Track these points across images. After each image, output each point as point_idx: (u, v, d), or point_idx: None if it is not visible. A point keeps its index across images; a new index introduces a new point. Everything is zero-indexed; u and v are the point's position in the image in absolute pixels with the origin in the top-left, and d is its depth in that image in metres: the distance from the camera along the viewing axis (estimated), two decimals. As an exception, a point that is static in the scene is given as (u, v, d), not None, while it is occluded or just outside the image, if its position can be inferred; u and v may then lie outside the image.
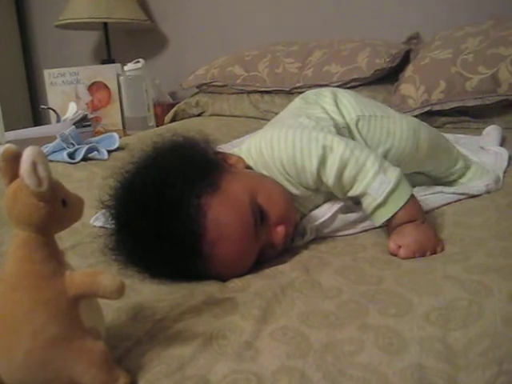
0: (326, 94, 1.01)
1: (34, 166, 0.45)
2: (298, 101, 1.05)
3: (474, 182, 0.99)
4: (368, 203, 0.78)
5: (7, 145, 0.47)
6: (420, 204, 0.81)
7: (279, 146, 0.81)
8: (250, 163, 0.85)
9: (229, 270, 0.71)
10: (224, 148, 0.90)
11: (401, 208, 0.76)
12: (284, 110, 1.07)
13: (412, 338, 0.53)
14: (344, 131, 0.93)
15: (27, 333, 0.46)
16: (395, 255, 0.74)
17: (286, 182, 0.83)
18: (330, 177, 0.79)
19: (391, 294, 0.62)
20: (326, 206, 0.87)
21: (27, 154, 0.45)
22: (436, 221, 0.86)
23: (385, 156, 0.91)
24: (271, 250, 0.76)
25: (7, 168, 0.47)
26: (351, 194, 0.80)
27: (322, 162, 0.79)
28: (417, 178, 1.00)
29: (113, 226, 0.74)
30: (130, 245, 0.71)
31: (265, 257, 0.75)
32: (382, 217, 0.78)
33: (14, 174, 0.47)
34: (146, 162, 0.75)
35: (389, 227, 0.79)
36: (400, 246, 0.74)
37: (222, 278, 0.71)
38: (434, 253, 0.75)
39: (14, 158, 0.47)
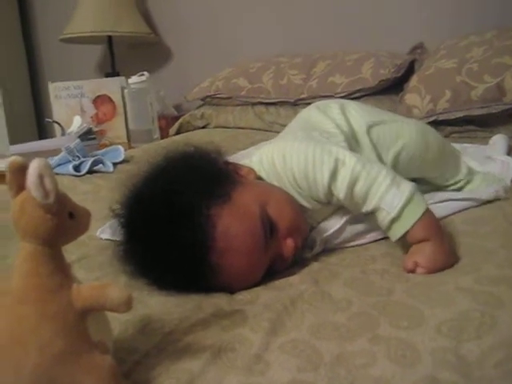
0: (334, 105, 1.01)
1: (40, 178, 0.45)
2: (306, 112, 1.05)
3: (481, 189, 0.98)
4: (382, 218, 0.76)
5: (13, 157, 0.47)
6: (436, 217, 0.78)
7: (291, 157, 0.81)
8: (262, 174, 0.85)
9: (238, 281, 0.71)
10: (233, 159, 0.89)
11: (416, 222, 0.74)
12: (293, 122, 1.07)
13: (424, 349, 0.52)
14: (352, 142, 0.93)
15: (34, 347, 0.45)
16: (413, 273, 0.72)
17: (297, 194, 0.82)
18: (341, 191, 0.77)
19: (402, 306, 0.61)
20: (334, 218, 0.86)
21: (34, 166, 0.45)
22: (445, 230, 0.84)
23: (396, 159, 0.91)
24: (281, 262, 0.75)
25: (14, 180, 0.47)
26: (365, 209, 0.77)
27: (334, 175, 0.77)
28: (422, 186, 0.99)
29: (121, 237, 0.73)
30: (139, 254, 0.70)
31: (274, 269, 0.74)
32: (398, 231, 0.75)
33: (20, 186, 0.47)
34: (157, 171, 0.75)
35: (407, 243, 0.77)
36: (417, 265, 0.72)
37: (231, 290, 0.71)
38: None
39: (21, 170, 0.46)
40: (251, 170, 0.84)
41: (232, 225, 0.69)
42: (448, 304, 0.60)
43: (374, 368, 0.50)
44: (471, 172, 1.02)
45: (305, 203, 0.82)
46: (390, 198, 0.74)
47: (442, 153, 0.98)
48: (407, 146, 0.92)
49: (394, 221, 0.75)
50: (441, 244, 0.74)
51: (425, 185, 1.01)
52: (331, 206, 0.84)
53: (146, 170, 0.75)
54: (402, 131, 0.93)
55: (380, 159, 0.93)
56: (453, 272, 0.70)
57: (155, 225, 0.68)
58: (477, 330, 0.54)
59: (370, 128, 0.93)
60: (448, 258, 0.73)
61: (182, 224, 0.67)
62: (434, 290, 0.64)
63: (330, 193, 0.79)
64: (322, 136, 0.91)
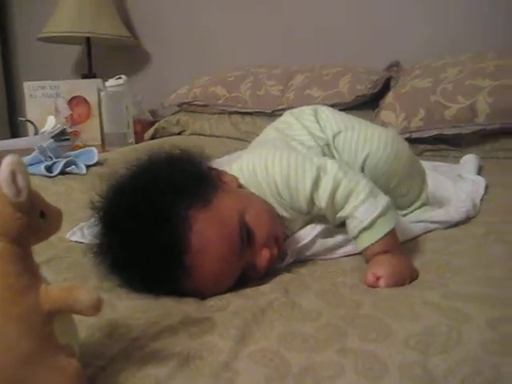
0: (307, 111, 1.01)
1: (13, 175, 0.44)
2: (282, 121, 1.06)
3: (450, 208, 0.99)
4: (354, 226, 0.77)
5: (-14, 153, 0.46)
6: (397, 235, 0.80)
7: (274, 166, 0.81)
8: (241, 183, 0.84)
9: (208, 286, 0.70)
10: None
11: (384, 236, 0.76)
12: (269, 129, 1.07)
13: (392, 363, 0.52)
14: (325, 149, 0.94)
15: (-2, 348, 0.44)
16: (374, 287, 0.72)
17: (277, 204, 0.82)
18: (322, 199, 0.78)
19: (370, 319, 0.61)
20: (307, 229, 0.86)
21: (6, 163, 0.44)
22: (415, 247, 0.86)
23: (362, 165, 0.91)
24: (254, 271, 0.75)
25: (-15, 176, 0.46)
26: (340, 214, 0.79)
27: (316, 183, 0.78)
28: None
29: (98, 230, 0.72)
30: (114, 247, 0.70)
31: (246, 277, 0.74)
32: (365, 241, 0.77)
33: (-9, 184, 0.46)
34: (140, 169, 0.75)
35: (366, 255, 0.78)
36: (379, 277, 0.73)
37: (202, 294, 0.70)
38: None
39: (-7, 167, 0.45)
40: (235, 177, 0.84)
41: (208, 228, 0.69)
42: (415, 318, 0.60)
43: (342, 380, 0.50)
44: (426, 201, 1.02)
45: (284, 213, 0.83)
46: (365, 208, 0.76)
47: (411, 166, 0.98)
48: (374, 152, 0.91)
49: (364, 230, 0.76)
50: (399, 257, 0.76)
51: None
52: (308, 216, 0.84)
53: (131, 166, 0.75)
54: (371, 136, 0.92)
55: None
56: (420, 287, 0.71)
57: (132, 220, 0.67)
58: (444, 345, 0.54)
59: (336, 135, 0.94)
60: (407, 271, 0.75)
61: (159, 222, 0.67)
62: (401, 303, 0.65)
63: (311, 202, 0.80)
64: (303, 147, 0.92)
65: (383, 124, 1.67)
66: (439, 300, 0.65)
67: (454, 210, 0.97)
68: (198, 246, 0.68)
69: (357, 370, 0.51)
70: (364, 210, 0.76)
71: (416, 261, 0.81)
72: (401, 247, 0.80)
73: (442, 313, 0.61)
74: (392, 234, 0.77)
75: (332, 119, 0.97)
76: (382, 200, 0.77)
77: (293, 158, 0.81)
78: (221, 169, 0.85)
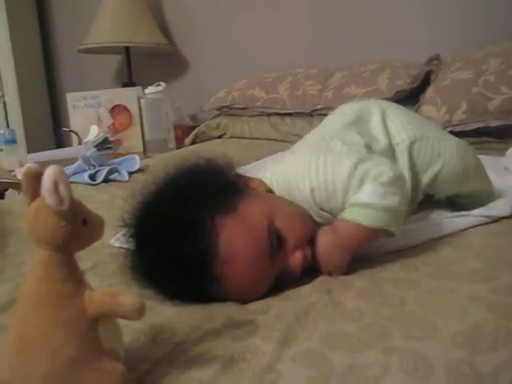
0: (375, 111, 0.98)
1: (55, 185, 0.45)
2: (338, 118, 1.01)
3: (496, 204, 0.96)
4: (355, 198, 0.75)
5: (29, 164, 0.47)
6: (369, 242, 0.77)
7: (310, 172, 0.79)
8: (274, 188, 0.83)
9: (241, 293, 0.70)
10: (248, 169, 0.89)
11: (368, 227, 0.73)
12: (321, 126, 1.05)
13: (438, 361, 0.51)
14: (387, 154, 0.91)
15: (46, 354, 0.45)
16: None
17: (311, 210, 0.80)
18: (352, 189, 0.75)
19: (415, 316, 0.60)
20: None
21: (49, 173, 0.45)
22: (463, 239, 0.84)
23: (435, 177, 0.90)
24: (288, 275, 0.74)
25: (29, 187, 0.47)
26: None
27: (355, 165, 0.76)
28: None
29: (131, 246, 0.74)
30: (145, 264, 0.71)
31: (283, 282, 0.73)
32: (347, 213, 0.75)
33: (35, 193, 0.47)
34: (166, 182, 0.76)
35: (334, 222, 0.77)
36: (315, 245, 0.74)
37: (236, 301, 0.70)
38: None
39: (36, 177, 0.47)
40: (261, 182, 0.83)
41: (236, 235, 0.69)
42: (462, 314, 0.59)
43: (386, 380, 0.49)
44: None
45: (319, 219, 0.81)
46: (374, 190, 0.74)
47: (477, 174, 0.97)
48: (447, 166, 0.90)
49: (355, 205, 0.74)
50: (346, 251, 0.75)
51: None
52: None
53: (157, 181, 0.76)
54: (444, 151, 0.91)
55: (415, 174, 0.91)
56: (466, 279, 0.69)
57: (160, 235, 0.68)
58: (492, 343, 0.53)
59: (412, 144, 0.91)
60: (338, 262, 0.74)
61: (185, 234, 0.67)
62: (447, 298, 0.63)
63: (347, 186, 0.76)
64: (343, 146, 0.89)
65: (424, 119, 1.64)
66: (487, 294, 0.63)
67: (498, 206, 0.94)
68: (227, 254, 0.67)
69: (402, 369, 0.50)
70: (372, 191, 0.73)
71: (464, 252, 0.79)
72: (359, 248, 0.77)
73: (489, 308, 0.59)
74: (370, 231, 0.74)
75: (404, 125, 0.94)
76: (393, 200, 0.74)
77: (329, 161, 0.79)
78: (249, 175, 0.84)
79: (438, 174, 0.91)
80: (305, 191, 0.79)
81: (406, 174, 0.90)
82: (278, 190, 0.83)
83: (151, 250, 0.69)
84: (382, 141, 0.93)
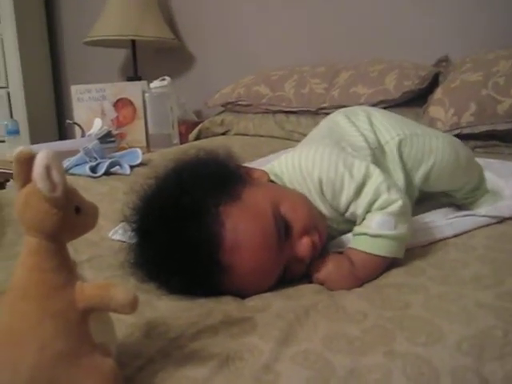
0: (361, 113, 0.98)
1: (47, 169, 0.43)
2: (332, 120, 1.03)
3: (502, 204, 0.95)
4: (362, 226, 0.75)
5: (21, 147, 0.45)
6: (383, 268, 0.75)
7: (322, 163, 0.78)
8: (284, 177, 0.82)
9: (249, 283, 0.69)
10: (252, 165, 0.88)
11: (377, 256, 0.73)
12: (318, 129, 1.05)
13: (443, 368, 0.49)
14: (378, 155, 0.91)
15: (33, 346, 0.43)
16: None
17: (320, 201, 0.79)
18: (360, 206, 0.75)
19: (420, 321, 0.58)
20: (348, 236, 0.83)
21: (41, 157, 0.43)
22: (467, 242, 0.82)
23: (427, 175, 0.90)
24: (298, 264, 0.72)
25: (20, 171, 0.45)
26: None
27: (359, 190, 0.76)
28: (441, 199, 0.99)
29: (133, 240, 0.72)
30: (149, 256, 0.69)
31: (292, 273, 0.72)
32: (357, 243, 0.75)
33: (26, 178, 0.45)
34: (167, 174, 0.74)
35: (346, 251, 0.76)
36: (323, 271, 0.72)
37: (243, 294, 0.68)
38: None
39: (28, 162, 0.45)
40: (264, 172, 0.82)
41: (241, 222, 0.67)
42: (468, 320, 0.57)
43: (390, 384, 0.47)
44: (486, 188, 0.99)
45: (324, 210, 0.80)
46: (383, 220, 0.73)
47: (469, 166, 0.96)
48: (439, 162, 0.90)
49: (365, 234, 0.74)
50: (356, 280, 0.73)
51: (444, 197, 1.00)
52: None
53: (157, 174, 0.75)
54: (436, 146, 0.90)
55: (408, 172, 0.91)
56: (473, 284, 0.67)
57: (164, 226, 0.67)
58: (500, 350, 0.51)
59: (401, 141, 0.90)
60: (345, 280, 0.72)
61: (190, 224, 0.66)
62: (453, 304, 0.61)
63: (348, 206, 0.77)
64: (352, 149, 0.90)
65: (432, 120, 1.62)
66: (493, 301, 0.61)
67: (505, 206, 0.93)
68: (233, 242, 0.66)
69: (405, 374, 0.49)
70: (381, 221, 0.73)
71: (469, 254, 0.77)
72: (368, 278, 0.74)
73: (496, 315, 0.57)
74: (380, 260, 0.74)
75: (390, 125, 0.94)
76: (402, 229, 0.74)
77: (341, 160, 0.78)
78: (250, 165, 0.83)
79: (430, 169, 0.90)
80: (313, 180, 0.78)
81: (398, 171, 0.90)
82: (288, 180, 0.82)
83: (156, 242, 0.68)
84: (372, 139, 0.92)
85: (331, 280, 0.72)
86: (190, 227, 0.66)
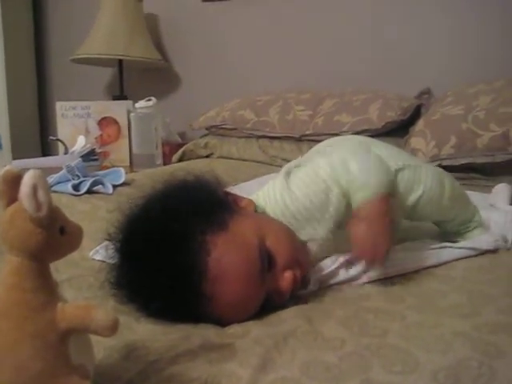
0: (361, 140, 1.01)
1: (34, 189, 0.43)
2: (326, 144, 1.04)
3: (481, 238, 0.96)
4: (347, 186, 0.80)
5: (8, 166, 0.45)
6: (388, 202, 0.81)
7: (299, 184, 0.82)
8: (268, 210, 0.83)
9: (230, 313, 0.68)
10: (234, 190, 0.88)
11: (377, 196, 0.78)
12: (309, 154, 1.06)
13: (419, 398, 0.50)
14: None
15: (9, 367, 0.43)
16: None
17: (308, 225, 0.81)
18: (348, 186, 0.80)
19: (396, 349, 0.59)
20: (328, 260, 0.84)
21: (28, 177, 0.43)
22: (445, 273, 0.83)
23: (417, 202, 0.91)
24: (278, 297, 0.73)
25: (6, 190, 0.46)
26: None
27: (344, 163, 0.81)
28: (427, 229, 1.00)
29: (115, 260, 0.72)
30: (131, 278, 0.69)
31: (271, 304, 0.72)
32: (359, 197, 0.79)
33: (12, 197, 0.45)
34: (155, 197, 0.74)
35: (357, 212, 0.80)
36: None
37: (223, 322, 0.68)
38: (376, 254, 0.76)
39: (15, 181, 0.45)
40: (251, 201, 0.83)
41: (227, 252, 0.67)
42: (445, 350, 0.57)
43: (365, 414, 0.48)
44: (481, 222, 1.01)
45: (311, 231, 0.82)
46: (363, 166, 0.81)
47: (456, 198, 0.97)
48: (427, 191, 0.92)
49: (356, 189, 0.79)
50: (382, 225, 0.77)
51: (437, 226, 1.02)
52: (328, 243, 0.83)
53: (145, 195, 0.74)
54: (425, 177, 0.92)
55: (398, 201, 0.92)
56: (450, 313, 0.68)
57: (149, 250, 0.66)
58: (474, 381, 0.51)
59: (397, 172, 0.91)
60: (382, 240, 0.76)
61: (176, 249, 0.66)
62: (429, 332, 0.62)
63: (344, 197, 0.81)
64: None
65: (413, 150, 1.64)
66: (470, 331, 0.62)
67: (483, 240, 0.94)
68: (218, 272, 0.66)
69: (381, 404, 0.49)
70: (360, 171, 0.80)
71: (447, 285, 0.78)
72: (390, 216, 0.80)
73: (472, 346, 0.58)
74: (384, 199, 0.79)
75: (388, 155, 0.95)
76: (384, 174, 0.81)
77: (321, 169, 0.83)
78: (238, 194, 0.84)
79: (418, 199, 0.92)
80: (299, 205, 0.81)
81: None
82: (272, 212, 0.83)
83: (139, 265, 0.67)
84: None
85: (361, 241, 0.77)
86: (176, 254, 0.66)
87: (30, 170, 0.44)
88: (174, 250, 0.66)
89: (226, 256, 0.67)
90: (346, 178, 0.80)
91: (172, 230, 0.67)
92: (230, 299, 0.67)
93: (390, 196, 0.81)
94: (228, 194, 0.80)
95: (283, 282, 0.72)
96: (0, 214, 0.46)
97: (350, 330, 0.64)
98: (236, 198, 0.81)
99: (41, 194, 0.44)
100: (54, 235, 0.46)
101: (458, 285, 0.78)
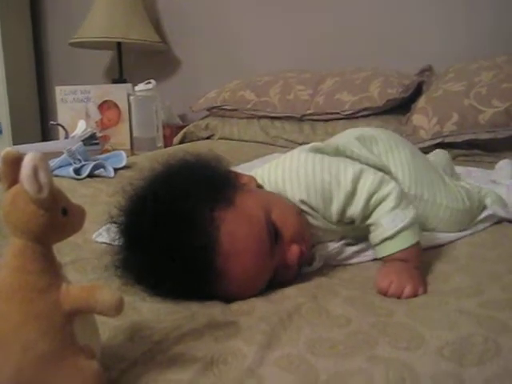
0: (380, 144, 0.98)
1: (35, 171, 0.43)
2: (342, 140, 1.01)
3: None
4: (378, 233, 0.76)
5: (8, 148, 0.45)
6: (420, 252, 0.78)
7: (307, 179, 0.80)
8: (266, 186, 0.83)
9: (241, 288, 0.68)
10: (237, 169, 0.88)
11: (406, 248, 0.75)
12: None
13: (424, 373, 0.50)
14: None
15: (16, 349, 0.43)
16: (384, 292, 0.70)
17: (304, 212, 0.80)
18: (357, 209, 0.77)
19: (402, 327, 0.59)
20: (332, 242, 0.85)
21: (29, 159, 0.43)
22: (450, 252, 0.83)
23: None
24: (285, 270, 0.73)
25: (7, 172, 0.45)
26: (368, 221, 0.78)
27: (350, 198, 0.78)
28: None
29: (120, 243, 0.71)
30: (140, 260, 0.68)
31: (278, 279, 0.72)
32: (385, 250, 0.76)
33: (13, 179, 0.45)
34: (159, 177, 0.73)
35: (384, 261, 0.77)
36: (391, 282, 0.70)
37: (232, 298, 0.68)
38: (415, 293, 0.70)
39: (15, 163, 0.44)
40: (252, 178, 0.83)
41: (237, 228, 0.68)
42: (450, 327, 0.58)
43: (372, 389, 0.48)
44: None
45: (311, 220, 0.81)
46: (392, 217, 0.75)
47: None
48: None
49: (387, 239, 0.75)
50: (414, 270, 0.74)
51: None
52: (337, 228, 0.83)
53: (147, 176, 0.74)
54: (433, 215, 0.92)
55: None
56: (455, 293, 0.68)
57: (157, 229, 0.66)
58: (480, 356, 0.51)
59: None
60: (417, 283, 0.71)
61: (186, 228, 0.66)
62: (435, 311, 0.62)
63: (343, 212, 0.79)
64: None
65: (415, 128, 1.64)
66: (475, 308, 0.62)
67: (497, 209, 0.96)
68: (230, 247, 0.66)
69: (387, 379, 0.49)
70: (390, 219, 0.75)
71: (450, 265, 0.78)
72: (420, 262, 0.77)
73: (477, 322, 0.58)
74: (414, 247, 0.76)
75: (407, 174, 0.94)
76: (410, 212, 0.76)
77: (326, 169, 0.80)
78: (239, 171, 0.83)
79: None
80: (302, 193, 0.80)
81: None
82: (269, 189, 0.82)
83: (148, 246, 0.67)
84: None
85: (397, 286, 0.70)
86: (186, 232, 0.65)
87: (30, 152, 0.43)
88: (184, 228, 0.65)
89: (236, 231, 0.67)
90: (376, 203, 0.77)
91: (181, 208, 0.66)
92: (242, 273, 0.67)
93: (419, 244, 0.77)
94: (229, 171, 0.80)
95: (290, 255, 0.72)
96: (1, 196, 0.45)
97: (356, 309, 0.64)
98: (237, 175, 0.81)
99: (42, 176, 0.43)
100: (57, 216, 0.46)
101: (462, 264, 0.79)
